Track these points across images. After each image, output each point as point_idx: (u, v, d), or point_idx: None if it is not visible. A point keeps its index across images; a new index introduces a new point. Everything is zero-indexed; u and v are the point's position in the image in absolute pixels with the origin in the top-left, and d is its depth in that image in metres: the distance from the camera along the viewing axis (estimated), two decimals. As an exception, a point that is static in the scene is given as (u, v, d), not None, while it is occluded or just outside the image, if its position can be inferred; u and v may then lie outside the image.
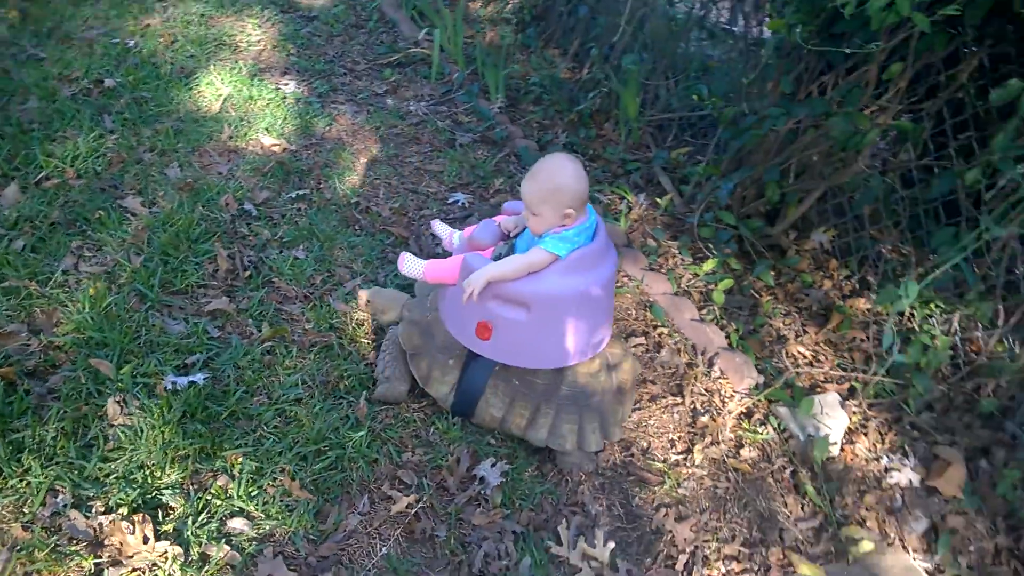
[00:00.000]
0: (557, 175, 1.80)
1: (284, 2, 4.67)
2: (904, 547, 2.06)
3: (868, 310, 2.75)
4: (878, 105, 2.54)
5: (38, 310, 2.16)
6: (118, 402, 1.91)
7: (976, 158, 2.35)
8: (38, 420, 1.84)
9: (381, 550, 1.78)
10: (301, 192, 2.86)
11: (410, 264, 2.07)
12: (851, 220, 2.85)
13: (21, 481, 1.73)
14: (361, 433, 1.97)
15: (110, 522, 1.67)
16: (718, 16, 3.76)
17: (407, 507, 1.86)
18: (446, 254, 2.28)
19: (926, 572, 2.00)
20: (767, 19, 3.25)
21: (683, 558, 1.92)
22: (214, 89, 3.49)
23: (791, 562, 1.95)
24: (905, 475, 2.22)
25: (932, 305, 2.53)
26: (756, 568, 1.93)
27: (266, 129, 3.25)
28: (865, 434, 2.32)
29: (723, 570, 1.91)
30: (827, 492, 2.13)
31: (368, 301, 2.22)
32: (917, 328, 2.53)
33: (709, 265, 2.80)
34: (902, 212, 2.65)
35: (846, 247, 2.91)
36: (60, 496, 1.72)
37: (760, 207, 2.97)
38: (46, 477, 1.74)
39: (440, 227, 2.26)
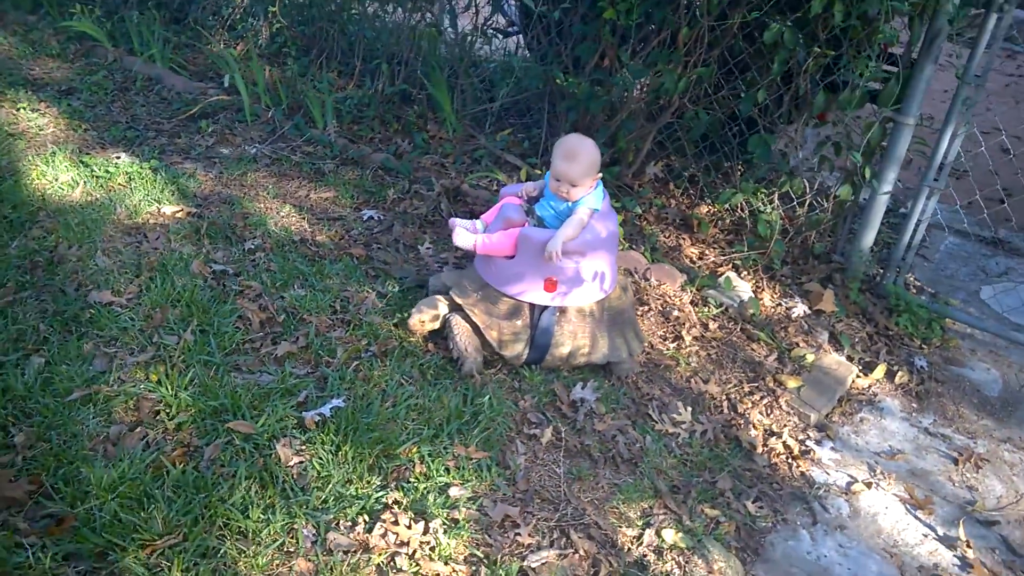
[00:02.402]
0: (590, 152, 2.36)
1: (23, 81, 4.38)
2: (826, 351, 2.99)
3: (708, 211, 3.68)
4: (673, 61, 3.40)
5: (119, 408, 2.17)
6: (283, 447, 2.08)
7: (759, 83, 3.33)
8: (234, 482, 1.96)
9: (558, 470, 2.23)
10: (251, 244, 2.99)
11: (463, 237, 2.46)
12: (672, 151, 3.76)
13: (264, 529, 1.87)
14: (487, 398, 2.36)
15: (365, 527, 1.91)
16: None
17: (553, 435, 2.32)
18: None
19: (846, 359, 2.94)
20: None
21: (724, 404, 2.63)
22: (52, 178, 3.33)
23: (780, 381, 2.76)
24: (800, 308, 3.16)
25: (757, 194, 3.51)
26: (764, 392, 2.71)
27: (154, 200, 3.24)
28: (763, 291, 3.23)
29: (749, 402, 2.66)
30: (768, 334, 2.98)
31: (422, 319, 2.51)
32: (755, 211, 3.49)
33: (598, 211, 3.49)
34: (714, 134, 3.59)
35: (671, 172, 3.82)
36: (306, 530, 1.90)
37: (606, 158, 3.75)
38: (283, 520, 1.90)
39: (462, 222, 2.63)
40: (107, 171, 3.42)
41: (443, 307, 2.54)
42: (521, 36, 4.63)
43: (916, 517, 2.38)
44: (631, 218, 3.53)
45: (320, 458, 2.07)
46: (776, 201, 3.48)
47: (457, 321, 2.50)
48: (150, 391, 2.22)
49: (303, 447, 2.10)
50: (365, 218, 3.36)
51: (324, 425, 2.16)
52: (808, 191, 3.46)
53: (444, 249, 3.18)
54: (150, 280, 2.69)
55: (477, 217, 2.68)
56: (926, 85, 2.98)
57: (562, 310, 2.49)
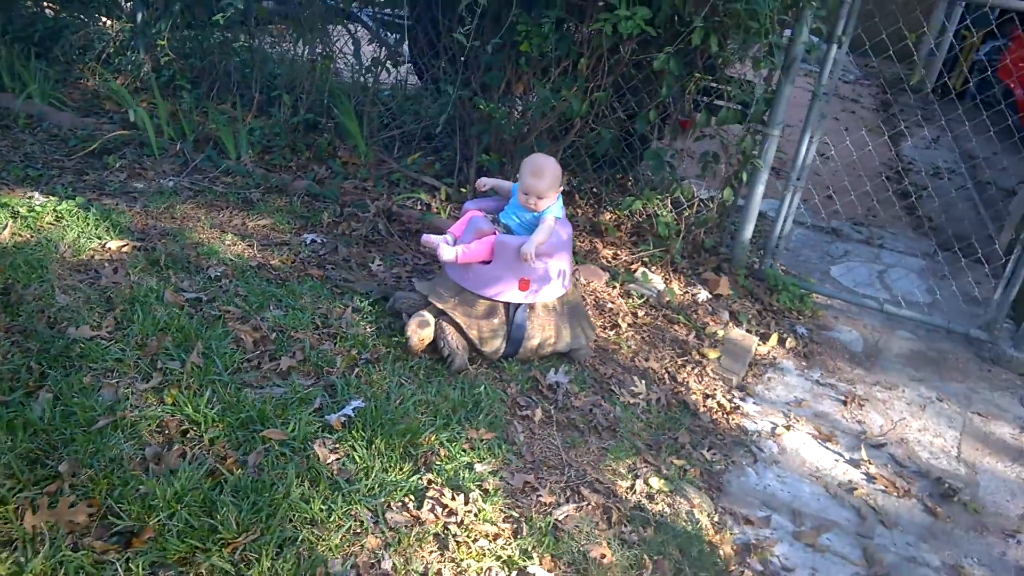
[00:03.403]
0: (553, 168, 2.73)
1: None
2: (731, 327, 3.54)
3: (611, 218, 4.18)
4: (575, 86, 3.87)
5: (146, 431, 2.27)
6: (319, 447, 2.28)
7: (649, 105, 3.86)
8: (288, 482, 2.14)
9: (554, 441, 2.57)
10: (213, 272, 3.09)
11: (447, 252, 2.74)
12: (575, 167, 4.22)
13: (329, 517, 2.08)
14: (481, 388, 2.66)
15: (415, 505, 2.17)
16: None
17: (543, 414, 2.66)
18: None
19: (746, 332, 3.51)
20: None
21: (665, 376, 3.09)
22: (-33, 221, 3.25)
23: (703, 354, 3.27)
24: (703, 294, 3.70)
25: (655, 199, 4.04)
26: (693, 364, 3.20)
27: (94, 236, 3.25)
28: (671, 281, 3.75)
29: (684, 372, 3.14)
30: (684, 317, 3.49)
31: (422, 337, 2.76)
32: (653, 215, 4.02)
33: (518, 222, 3.88)
34: (616, 150, 4.09)
35: (573, 185, 4.28)
36: (363, 514, 2.12)
37: (515, 176, 4.14)
38: (342, 507, 2.11)
39: (436, 238, 2.88)
40: (31, 211, 3.36)
41: (430, 317, 2.80)
42: (413, 66, 4.95)
43: (827, 448, 2.94)
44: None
45: (356, 452, 2.29)
46: (669, 205, 4.02)
47: (445, 324, 2.77)
48: (171, 413, 2.33)
49: (336, 445, 2.31)
50: (308, 242, 3.53)
51: (351, 424, 2.37)
52: (695, 195, 4.03)
53: (394, 265, 3.43)
54: (125, 313, 2.74)
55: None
56: (786, 103, 3.62)
57: (531, 307, 2.84)
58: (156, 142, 4.19)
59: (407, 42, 4.96)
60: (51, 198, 3.51)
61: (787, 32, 3.59)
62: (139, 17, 4.98)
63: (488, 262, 2.79)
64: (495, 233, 2.83)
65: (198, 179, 4.01)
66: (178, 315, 2.74)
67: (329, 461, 2.25)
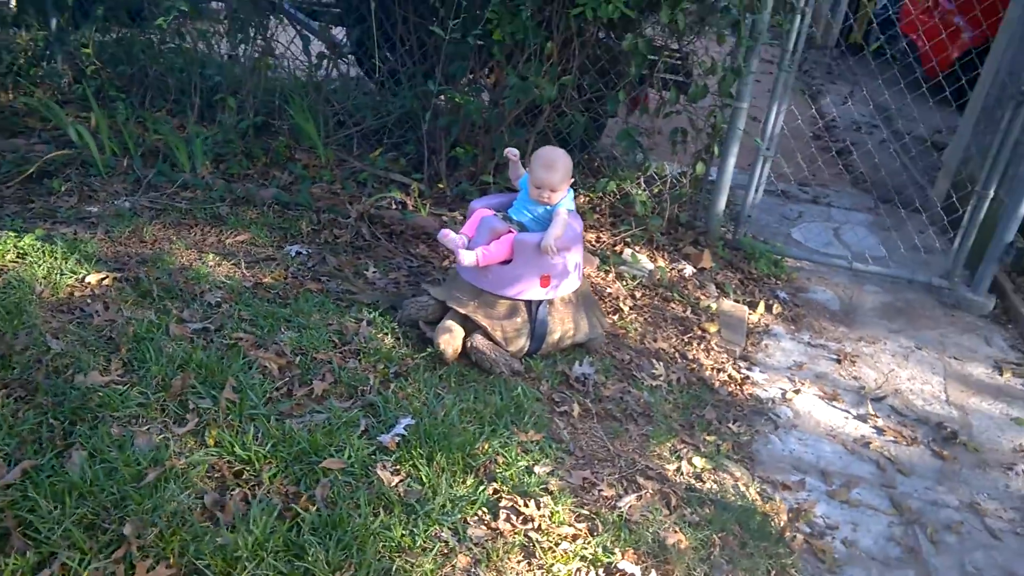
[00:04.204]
0: (565, 160, 2.73)
1: None
2: (720, 297, 3.66)
3: (584, 201, 4.21)
4: (545, 71, 3.87)
5: (197, 478, 2.18)
6: (381, 470, 2.24)
7: (614, 85, 3.90)
8: (363, 512, 2.10)
9: (597, 434, 2.61)
10: (211, 298, 2.95)
11: (468, 256, 2.71)
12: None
13: (414, 542, 2.05)
14: (518, 389, 2.66)
15: (491, 517, 2.17)
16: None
17: (579, 408, 2.69)
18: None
19: (735, 303, 3.63)
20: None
21: (676, 355, 3.17)
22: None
23: (704, 328, 3.37)
24: (688, 269, 3.80)
25: (630, 179, 4.10)
26: (697, 339, 3.30)
27: (69, 271, 3.04)
28: (655, 260, 3.82)
29: (692, 349, 3.23)
30: (677, 293, 3.58)
31: (455, 347, 2.72)
32: (627, 194, 4.07)
33: (499, 213, 3.86)
34: (589, 134, 4.11)
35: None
36: (443, 533, 2.11)
37: (491, 168, 4.12)
38: (423, 529, 2.09)
39: (453, 235, 2.82)
40: (-9, 251, 3.11)
41: (454, 324, 2.77)
42: (359, 62, 4.79)
43: (835, 407, 3.10)
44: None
45: (420, 471, 2.26)
46: (643, 184, 4.09)
47: (477, 336, 2.74)
48: (218, 455, 2.23)
49: (397, 467, 2.27)
50: (293, 254, 3.42)
51: (406, 443, 2.34)
52: (668, 172, 4.11)
53: (389, 270, 3.36)
54: (132, 352, 2.59)
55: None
56: (752, 76, 3.72)
57: (550, 301, 2.85)
58: (101, 159, 3.93)
59: (360, 35, 4.78)
60: (7, 233, 3.25)
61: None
62: (53, 24, 4.62)
63: (507, 261, 2.77)
64: (510, 231, 2.81)
65: (156, 197, 3.80)
66: (191, 349, 2.61)
67: (394, 484, 2.22)
